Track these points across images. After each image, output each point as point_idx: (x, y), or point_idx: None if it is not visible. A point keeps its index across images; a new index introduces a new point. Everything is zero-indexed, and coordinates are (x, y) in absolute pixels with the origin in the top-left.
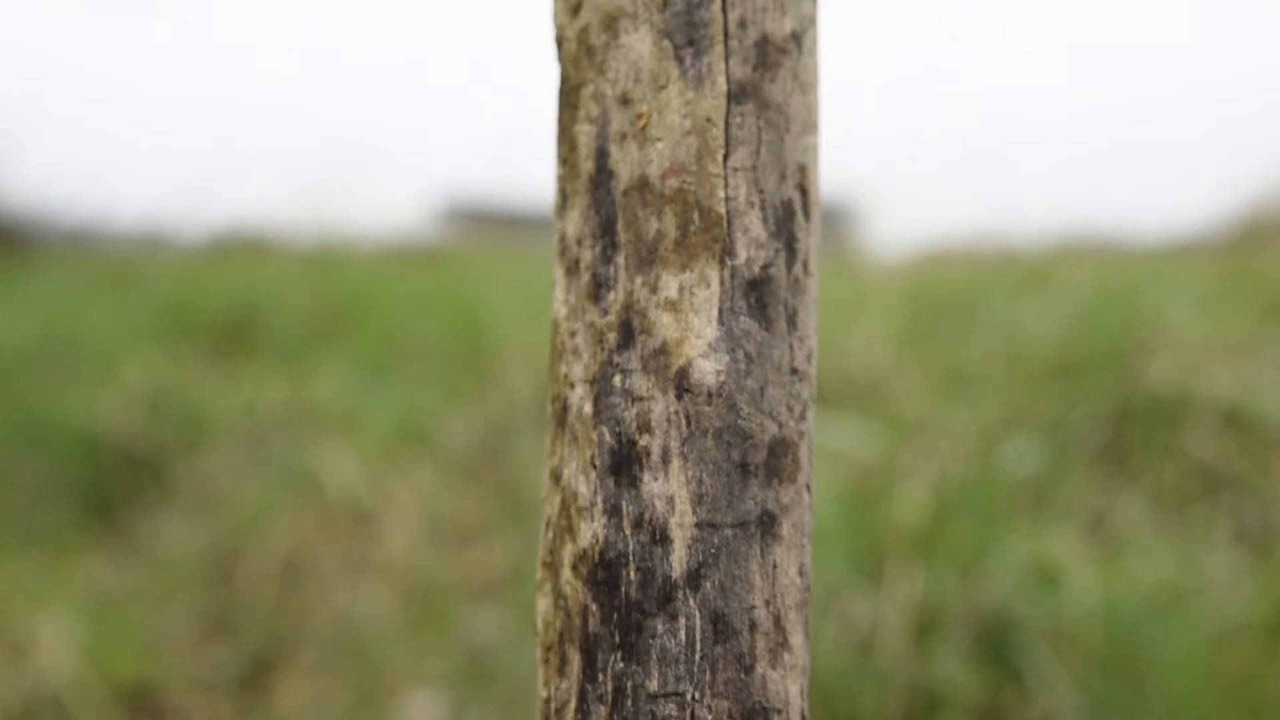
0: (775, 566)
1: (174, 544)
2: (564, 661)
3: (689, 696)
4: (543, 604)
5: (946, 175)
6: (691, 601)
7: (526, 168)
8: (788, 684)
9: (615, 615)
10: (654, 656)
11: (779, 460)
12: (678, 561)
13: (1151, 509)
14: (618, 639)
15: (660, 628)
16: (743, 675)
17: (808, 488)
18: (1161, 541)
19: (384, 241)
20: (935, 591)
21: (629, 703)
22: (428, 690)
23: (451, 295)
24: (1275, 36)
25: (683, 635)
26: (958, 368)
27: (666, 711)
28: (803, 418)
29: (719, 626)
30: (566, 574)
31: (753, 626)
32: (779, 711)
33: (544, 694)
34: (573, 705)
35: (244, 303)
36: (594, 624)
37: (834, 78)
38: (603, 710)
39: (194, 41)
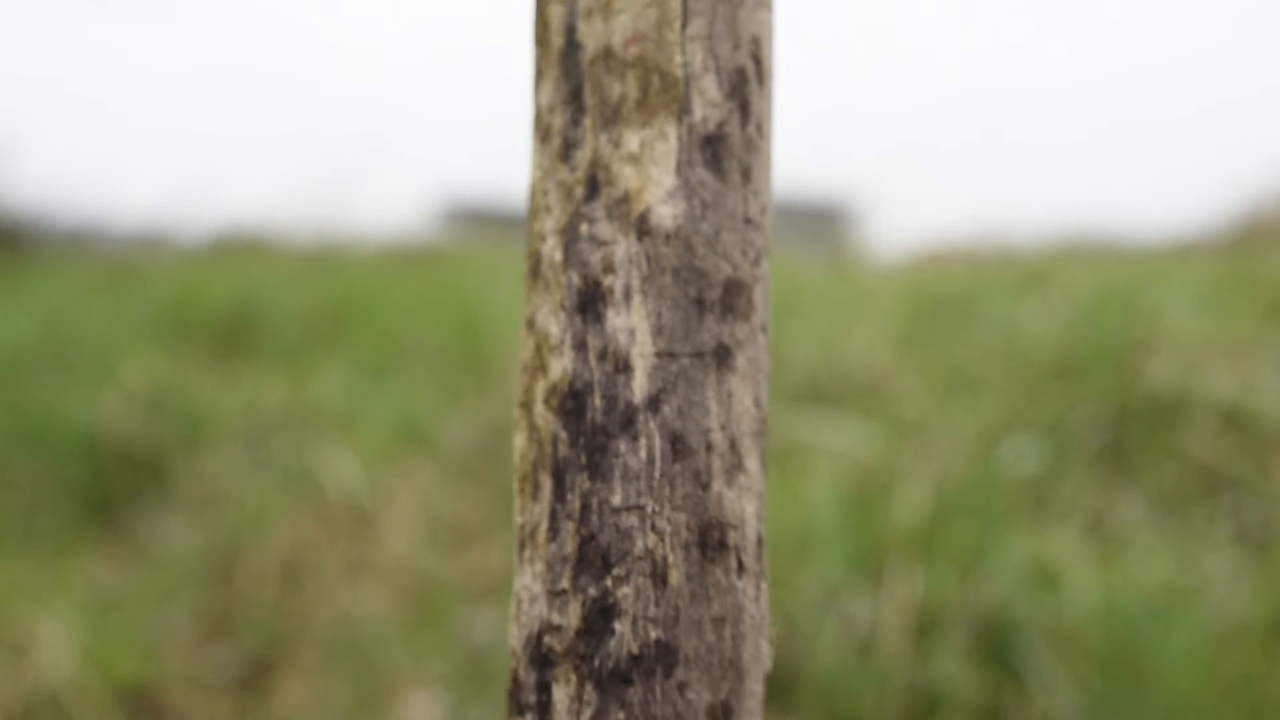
0: (730, 395)
1: (174, 544)
2: (537, 487)
3: (649, 509)
4: (519, 440)
5: (946, 175)
6: (652, 424)
7: (527, 168)
8: (743, 503)
9: (582, 439)
10: (617, 474)
11: (733, 299)
12: (639, 388)
13: (1151, 509)
14: (584, 460)
15: (623, 448)
16: (700, 491)
17: (763, 329)
18: (1161, 541)
19: (384, 241)
20: (935, 591)
21: (594, 517)
22: (428, 690)
23: (451, 295)
24: (1275, 36)
25: (644, 454)
26: (957, 368)
27: (629, 523)
28: (757, 263)
29: (677, 446)
30: (539, 408)
31: (709, 448)
32: (734, 527)
33: (519, 521)
34: (544, 525)
35: (244, 303)
36: (563, 449)
37: (834, 78)
38: (571, 526)
39: (194, 41)
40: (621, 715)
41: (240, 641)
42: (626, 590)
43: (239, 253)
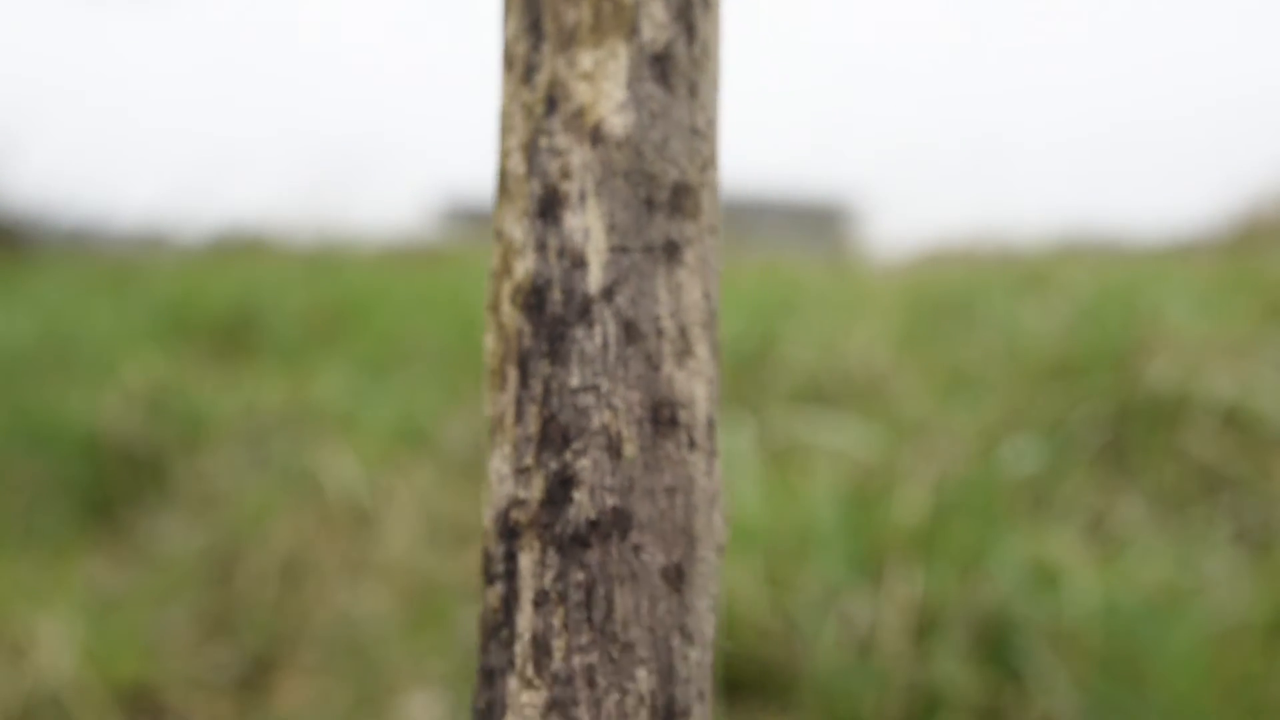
0: (680, 286)
1: (174, 544)
2: (504, 379)
3: (604, 389)
4: (488, 340)
5: (946, 175)
6: (606, 312)
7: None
8: (693, 385)
9: (544, 330)
10: (575, 358)
11: (681, 200)
12: (594, 281)
13: (1151, 509)
14: (545, 348)
15: (580, 334)
16: (651, 372)
17: (711, 230)
18: (1161, 541)
19: (384, 241)
20: (935, 591)
21: (555, 399)
22: (428, 690)
23: (451, 295)
24: (1275, 36)
25: (599, 340)
26: (957, 368)
27: (586, 402)
28: (704, 169)
29: (630, 331)
30: (505, 308)
31: (660, 333)
32: (684, 406)
33: (489, 413)
34: (511, 411)
35: (244, 303)
36: (526, 341)
37: (835, 78)
38: (534, 409)
39: (194, 41)
40: (581, 576)
41: (240, 641)
42: (585, 463)
43: (239, 253)
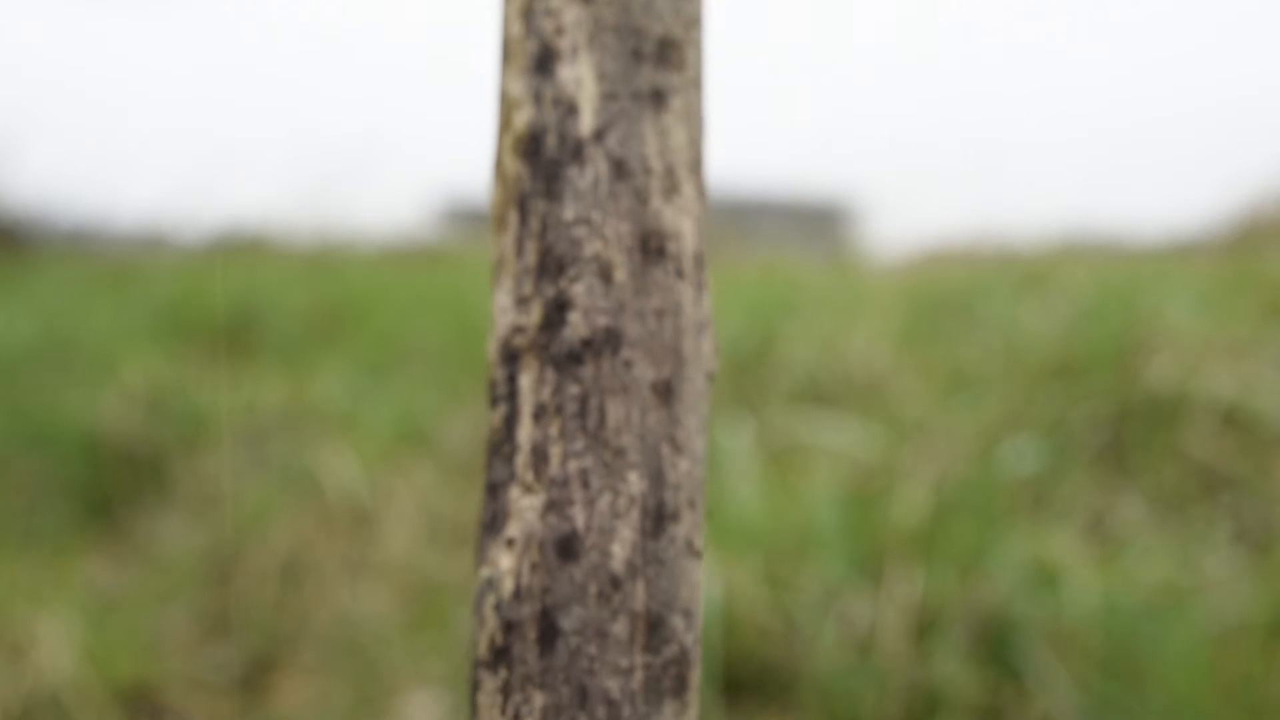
0: (666, 130)
1: (174, 544)
2: (505, 223)
3: (595, 220)
4: (494, 190)
5: (946, 175)
6: (597, 152)
7: None
8: (680, 220)
9: (540, 172)
10: (568, 194)
11: (668, 53)
12: (585, 124)
13: (1151, 509)
14: (542, 188)
15: (573, 173)
16: (640, 206)
17: (696, 84)
18: (1161, 541)
19: (384, 241)
20: (935, 591)
21: (550, 232)
22: (428, 690)
23: (451, 295)
24: (1275, 36)
25: (590, 177)
26: (957, 368)
27: (579, 233)
28: (689, 27)
29: (619, 169)
30: (505, 158)
31: (647, 171)
32: (672, 238)
33: (494, 256)
34: (511, 249)
35: (244, 303)
36: (525, 184)
37: (835, 78)
38: (532, 244)
39: (194, 41)
40: (575, 389)
41: (240, 641)
42: (578, 288)
43: (239, 253)
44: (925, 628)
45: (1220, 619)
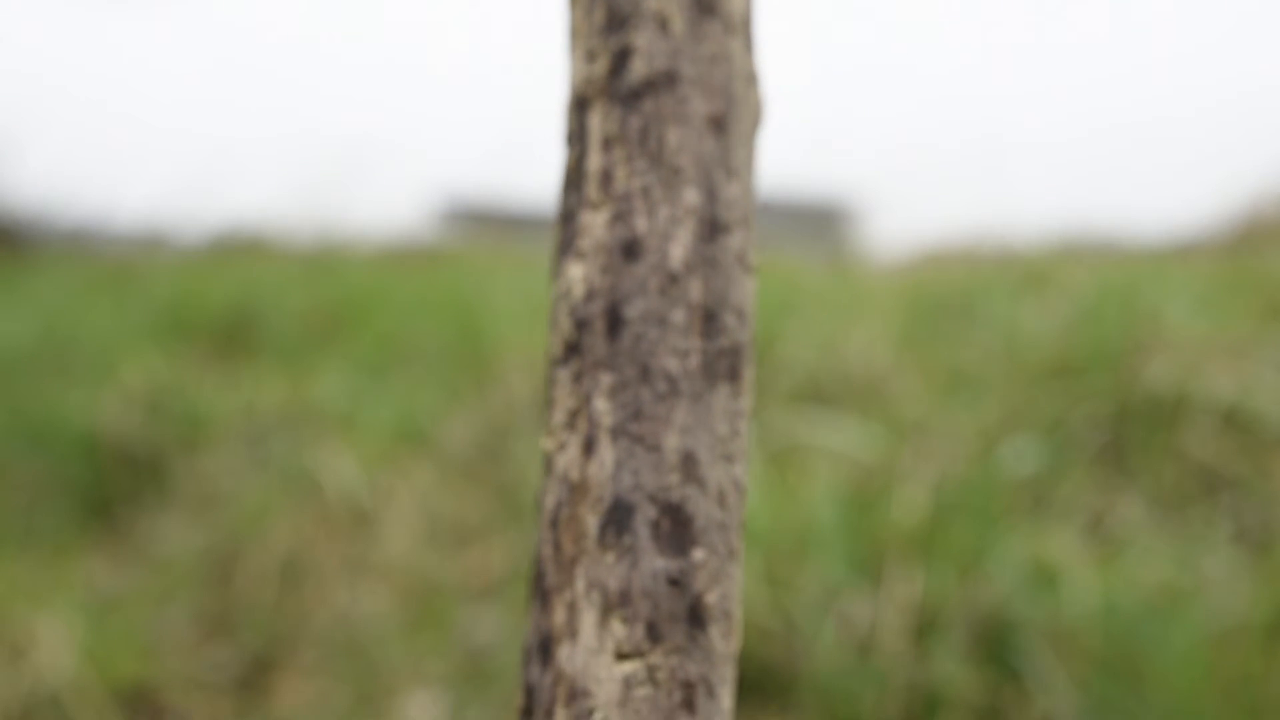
0: None
1: (174, 544)
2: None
3: None
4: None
5: (946, 175)
6: None
7: (526, 168)
8: None
9: None
10: None
11: None
12: None
13: (1151, 509)
14: None
15: None
16: None
17: None
18: (1161, 541)
19: (384, 241)
20: (935, 592)
21: None
22: (428, 690)
23: (451, 295)
24: (1275, 36)
25: None
26: (957, 368)
27: None
28: None
29: None
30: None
31: None
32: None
33: (568, 26)
34: (582, 16)
35: (244, 303)
36: None
37: (834, 78)
38: (600, 6)
39: (194, 41)
40: (638, 121)
41: (240, 641)
42: (640, 38)
43: (239, 253)
44: (925, 628)
45: (1220, 619)
